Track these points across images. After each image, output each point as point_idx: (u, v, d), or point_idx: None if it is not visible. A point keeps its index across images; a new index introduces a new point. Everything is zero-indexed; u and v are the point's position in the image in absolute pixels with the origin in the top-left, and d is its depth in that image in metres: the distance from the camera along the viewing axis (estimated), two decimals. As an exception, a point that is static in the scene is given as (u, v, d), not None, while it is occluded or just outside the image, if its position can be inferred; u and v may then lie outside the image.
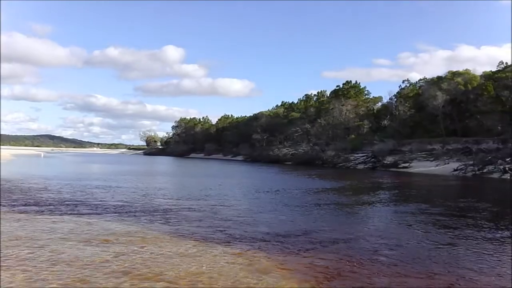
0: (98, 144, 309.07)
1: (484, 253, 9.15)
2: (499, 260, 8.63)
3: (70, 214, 12.96)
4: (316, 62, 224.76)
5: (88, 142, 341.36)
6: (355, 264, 8.15)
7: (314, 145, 71.95)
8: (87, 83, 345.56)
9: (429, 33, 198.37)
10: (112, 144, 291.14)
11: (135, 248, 8.62)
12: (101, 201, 16.32)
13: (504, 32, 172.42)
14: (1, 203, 14.32)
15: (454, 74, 63.32)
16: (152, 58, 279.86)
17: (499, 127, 53.06)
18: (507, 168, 36.00)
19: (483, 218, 14.17)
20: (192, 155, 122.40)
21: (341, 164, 58.29)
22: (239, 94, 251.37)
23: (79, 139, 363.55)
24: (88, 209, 14.02)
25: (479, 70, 65.46)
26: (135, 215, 13.07)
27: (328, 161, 61.06)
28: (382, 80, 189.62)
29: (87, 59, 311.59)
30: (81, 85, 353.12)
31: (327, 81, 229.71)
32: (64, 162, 62.25)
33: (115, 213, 13.46)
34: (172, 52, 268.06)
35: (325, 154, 63.40)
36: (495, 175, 36.06)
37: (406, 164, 49.03)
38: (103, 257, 7.83)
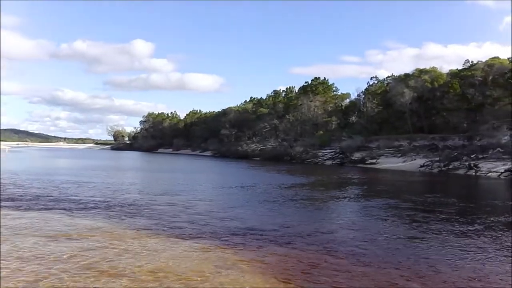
0: (64, 138, 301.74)
1: (450, 246, 9.44)
2: (465, 251, 8.96)
3: (37, 209, 12.71)
4: (285, 58, 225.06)
5: (54, 136, 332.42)
6: (324, 257, 8.18)
7: (282, 141, 71.63)
8: (54, 77, 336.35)
9: (397, 31, 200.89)
10: (79, 139, 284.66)
11: (102, 244, 8.54)
12: (68, 196, 16.03)
13: (470, 31, 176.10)
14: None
15: (421, 71, 63.87)
16: (121, 52, 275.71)
17: (464, 124, 53.87)
18: (472, 165, 36.29)
19: (449, 213, 14.37)
20: (160, 150, 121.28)
21: (309, 160, 58.17)
22: (208, 89, 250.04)
23: (45, 133, 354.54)
24: (55, 205, 13.76)
25: (446, 68, 66.34)
26: (103, 211, 12.89)
27: (296, 157, 60.91)
28: (351, 77, 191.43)
29: (54, 52, 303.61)
30: (48, 78, 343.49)
31: (296, 77, 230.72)
32: (30, 157, 60.40)
33: (83, 208, 13.26)
34: (141, 46, 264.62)
35: (294, 150, 63.16)
36: (461, 171, 36.30)
37: (374, 160, 49.09)
38: (67, 253, 7.74)
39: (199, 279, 6.58)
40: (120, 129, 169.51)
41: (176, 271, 6.89)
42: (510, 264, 7.99)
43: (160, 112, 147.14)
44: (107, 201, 14.94)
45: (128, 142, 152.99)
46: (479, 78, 55.57)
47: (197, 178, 28.07)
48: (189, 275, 6.76)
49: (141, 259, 7.55)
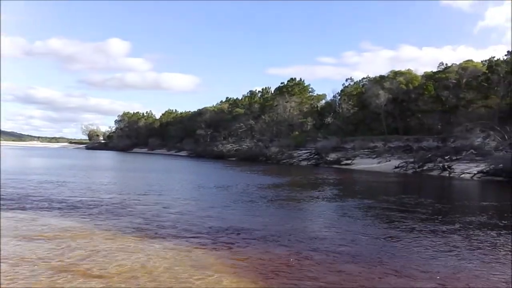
0: (38, 137, 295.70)
1: (425, 244, 9.63)
2: (439, 251, 9.05)
3: (10, 209, 12.43)
4: (261, 58, 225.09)
5: (28, 135, 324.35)
6: (301, 257, 8.15)
7: (258, 141, 71.33)
8: (28, 75, 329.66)
9: (374, 33, 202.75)
10: (53, 138, 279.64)
11: (76, 245, 8.41)
12: (43, 196, 15.58)
13: (445, 34, 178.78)
14: None
15: (397, 73, 64.26)
16: (96, 51, 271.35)
17: (439, 126, 54.35)
18: (446, 166, 36.45)
19: (424, 213, 14.53)
20: (135, 149, 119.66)
21: (284, 161, 57.80)
22: (184, 89, 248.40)
23: (18, 132, 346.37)
24: (29, 205, 13.46)
25: (421, 70, 66.90)
26: (77, 211, 12.68)
27: (271, 157, 60.54)
28: (327, 78, 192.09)
29: (28, 50, 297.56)
30: (21, 76, 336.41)
31: (272, 77, 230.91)
32: (3, 156, 58.63)
33: (57, 208, 13.00)
34: (117, 45, 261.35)
35: (269, 151, 62.83)
36: (435, 172, 36.41)
37: (349, 161, 48.94)
38: (40, 254, 7.59)
39: (173, 279, 6.49)
40: (95, 128, 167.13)
41: (150, 272, 6.79)
42: (479, 261, 8.26)
43: (135, 111, 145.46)
44: (82, 201, 14.65)
45: (103, 141, 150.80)
46: (453, 81, 56.18)
47: (173, 178, 27.52)
48: (163, 276, 6.66)
49: (115, 259, 7.43)
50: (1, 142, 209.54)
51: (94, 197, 15.93)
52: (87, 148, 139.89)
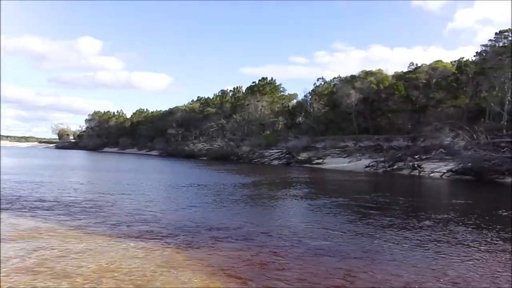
0: (7, 136, 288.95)
1: (395, 241, 9.75)
2: (410, 246, 9.29)
3: None
4: (233, 58, 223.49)
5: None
6: (273, 255, 8.16)
7: (229, 141, 71.09)
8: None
9: (346, 33, 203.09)
10: (22, 137, 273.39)
11: (45, 244, 8.23)
12: (12, 196, 15.19)
13: (416, 35, 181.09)
14: None
15: (367, 73, 64.56)
16: (68, 49, 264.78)
17: (409, 126, 54.82)
18: (415, 165, 36.56)
19: (395, 210, 14.77)
20: (106, 149, 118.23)
21: (256, 160, 57.64)
22: (156, 88, 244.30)
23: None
24: None
25: (391, 70, 67.39)
26: (47, 211, 12.38)
27: (243, 157, 60.35)
28: (299, 78, 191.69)
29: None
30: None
31: (244, 77, 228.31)
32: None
33: (25, 208, 12.73)
34: (89, 44, 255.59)
35: (240, 150, 62.68)
36: (405, 171, 36.50)
37: (320, 160, 48.89)
38: (9, 255, 7.43)
39: (143, 278, 6.44)
40: (65, 127, 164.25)
41: (120, 271, 6.70)
42: (447, 255, 8.50)
43: (106, 110, 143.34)
44: (51, 201, 14.30)
45: (73, 140, 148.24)
46: (423, 81, 56.72)
47: (145, 178, 26.91)
48: (133, 275, 6.58)
49: (85, 259, 7.33)
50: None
51: (63, 197, 15.57)
52: (57, 147, 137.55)
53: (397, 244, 9.38)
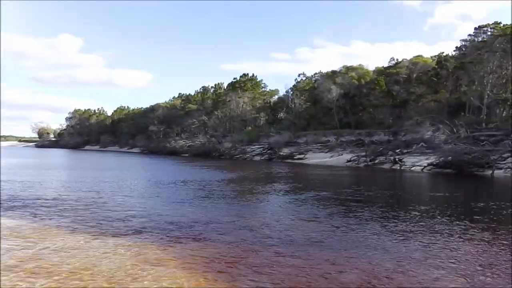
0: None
1: (378, 232, 9.91)
2: (393, 237, 9.50)
3: None
4: (215, 54, 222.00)
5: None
6: (255, 250, 8.12)
7: (211, 137, 70.81)
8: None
9: (327, 29, 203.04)
10: (1, 136, 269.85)
11: (24, 243, 8.24)
12: None
13: (397, 31, 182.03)
14: None
15: (348, 68, 64.81)
16: (47, 47, 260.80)
17: (390, 120, 55.03)
18: (397, 159, 36.69)
19: (377, 204, 14.81)
20: (87, 147, 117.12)
21: (238, 156, 57.51)
22: (137, 85, 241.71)
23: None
24: None
25: (372, 65, 67.67)
26: (27, 209, 12.27)
27: (225, 153, 60.19)
28: (280, 74, 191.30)
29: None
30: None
31: (226, 73, 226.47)
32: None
33: (4, 206, 12.65)
34: (69, 41, 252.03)
35: (222, 146, 62.43)
36: (386, 166, 36.58)
37: (302, 156, 48.87)
38: None
39: (124, 276, 6.41)
40: (45, 126, 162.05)
41: (99, 269, 6.68)
42: (429, 247, 8.56)
43: (86, 108, 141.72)
44: (31, 199, 14.21)
45: (53, 139, 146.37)
46: (404, 76, 57.08)
47: (125, 175, 26.57)
48: (112, 272, 6.54)
49: (64, 257, 7.29)
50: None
51: (43, 195, 15.38)
52: (37, 146, 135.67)
53: (380, 235, 9.52)
